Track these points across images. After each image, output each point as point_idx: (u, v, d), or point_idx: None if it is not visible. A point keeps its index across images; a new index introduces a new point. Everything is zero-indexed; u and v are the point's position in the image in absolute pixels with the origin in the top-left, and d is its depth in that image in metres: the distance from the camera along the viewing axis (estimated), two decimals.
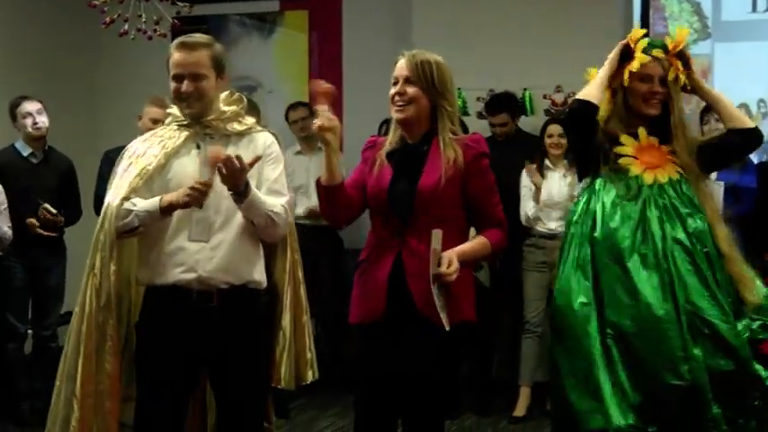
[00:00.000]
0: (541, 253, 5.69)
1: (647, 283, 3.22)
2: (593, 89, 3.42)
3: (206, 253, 3.22)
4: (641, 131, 3.40)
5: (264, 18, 7.27)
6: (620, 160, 3.40)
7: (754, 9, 6.48)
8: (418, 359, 3.10)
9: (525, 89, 6.38)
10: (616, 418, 3.15)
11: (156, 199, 3.20)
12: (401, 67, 3.22)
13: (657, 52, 3.39)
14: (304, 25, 7.20)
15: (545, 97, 6.42)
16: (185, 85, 3.25)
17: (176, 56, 3.26)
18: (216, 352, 3.25)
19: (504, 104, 6.08)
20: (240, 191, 3.14)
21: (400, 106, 3.20)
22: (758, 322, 3.25)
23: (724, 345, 3.18)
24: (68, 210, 5.54)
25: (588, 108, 3.37)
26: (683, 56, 3.44)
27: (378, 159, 3.26)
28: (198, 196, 3.13)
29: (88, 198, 5.45)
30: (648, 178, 3.35)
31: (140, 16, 4.57)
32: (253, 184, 3.19)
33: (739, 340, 3.19)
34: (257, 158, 3.20)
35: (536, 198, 5.63)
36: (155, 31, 4.57)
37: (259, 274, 3.33)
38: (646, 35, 3.45)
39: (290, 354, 3.40)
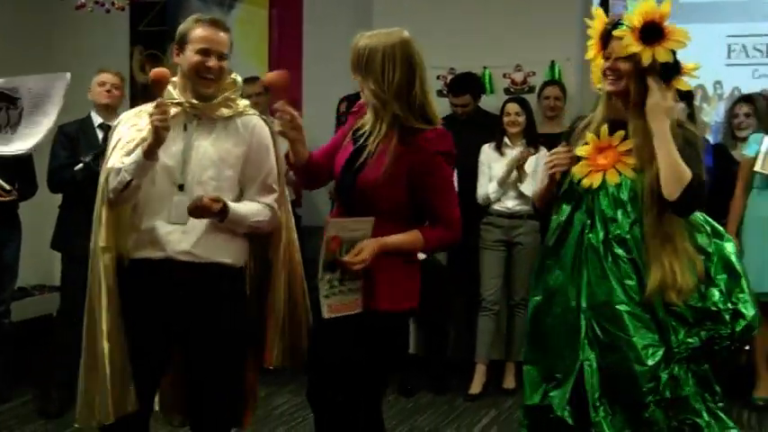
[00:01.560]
0: (499, 231, 5.72)
1: (555, 282, 3.30)
2: (535, 195, 3.49)
3: (176, 235, 3.24)
4: (603, 129, 3.24)
5: None
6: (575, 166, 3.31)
7: None
8: (338, 342, 3.15)
9: (485, 68, 6.38)
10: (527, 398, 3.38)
11: (137, 151, 3.18)
12: None
13: (622, 31, 3.15)
14: (264, 1, 7.13)
15: (505, 76, 6.42)
16: (213, 61, 3.24)
17: (205, 31, 3.24)
18: (184, 327, 3.28)
19: (467, 86, 6.07)
20: (218, 217, 3.19)
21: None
22: (709, 332, 3.18)
23: (621, 354, 3.15)
24: (23, 184, 5.45)
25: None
26: (653, 33, 3.12)
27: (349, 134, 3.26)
28: (158, 120, 3.09)
29: (44, 174, 5.38)
30: (586, 182, 3.25)
31: None
32: (234, 174, 3.25)
33: (633, 351, 3.13)
34: (220, 204, 3.16)
35: (502, 180, 5.63)
36: (112, 4, 4.52)
37: (231, 258, 3.32)
38: (618, 22, 3.19)
39: (283, 338, 3.42)
